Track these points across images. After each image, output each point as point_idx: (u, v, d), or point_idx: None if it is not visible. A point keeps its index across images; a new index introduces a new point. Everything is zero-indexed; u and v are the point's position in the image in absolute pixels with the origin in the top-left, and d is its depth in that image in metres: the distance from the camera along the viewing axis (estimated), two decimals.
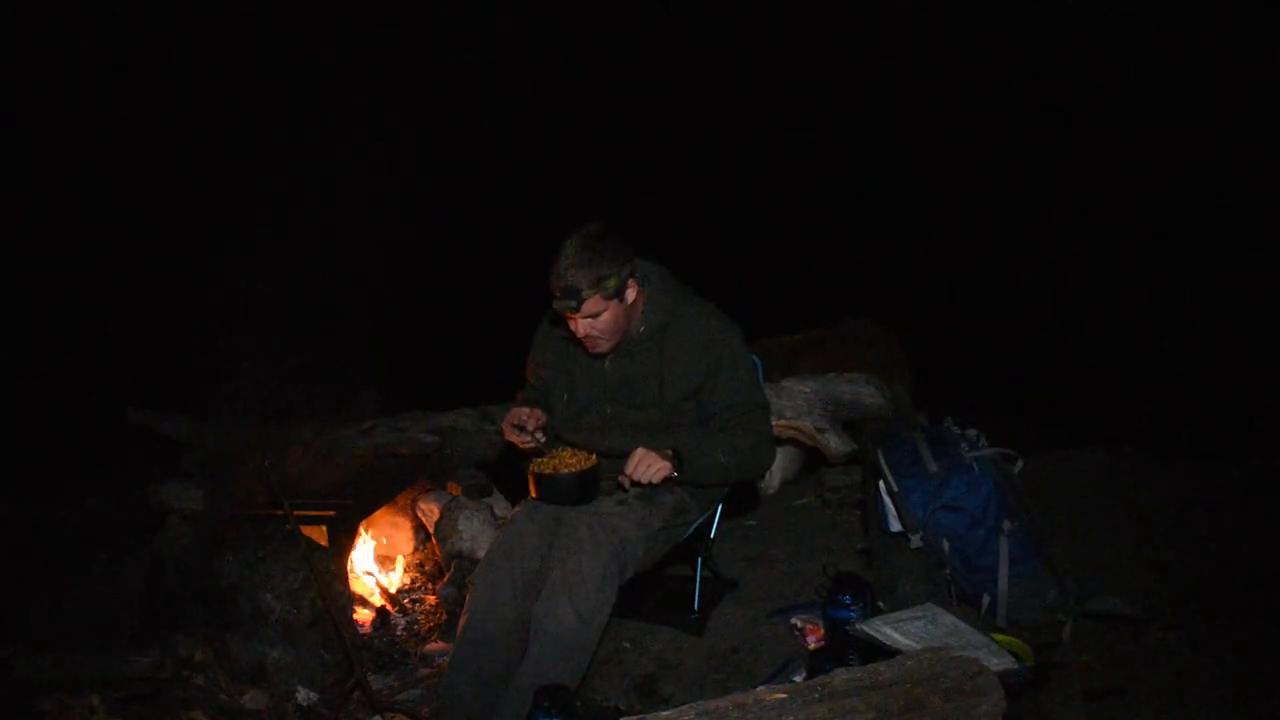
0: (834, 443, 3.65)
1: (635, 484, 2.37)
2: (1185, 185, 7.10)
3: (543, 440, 2.47)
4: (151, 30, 6.33)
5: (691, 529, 2.70)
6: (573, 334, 2.42)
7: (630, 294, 2.41)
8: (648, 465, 2.32)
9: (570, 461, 2.43)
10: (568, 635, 2.21)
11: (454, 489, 3.54)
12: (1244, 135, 6.87)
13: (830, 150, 8.64)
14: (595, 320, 2.36)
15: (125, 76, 6.23)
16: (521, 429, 2.46)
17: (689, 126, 8.87)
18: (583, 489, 2.42)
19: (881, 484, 2.83)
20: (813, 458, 3.92)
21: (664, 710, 1.58)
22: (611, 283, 2.32)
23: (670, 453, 2.36)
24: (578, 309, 2.32)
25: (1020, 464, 2.80)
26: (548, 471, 2.41)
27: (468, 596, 2.39)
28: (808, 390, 3.74)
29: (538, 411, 2.51)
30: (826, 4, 8.67)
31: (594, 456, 2.45)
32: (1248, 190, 6.73)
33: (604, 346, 2.44)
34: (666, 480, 2.37)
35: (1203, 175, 7.02)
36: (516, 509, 2.58)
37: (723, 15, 8.77)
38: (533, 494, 2.46)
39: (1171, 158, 7.14)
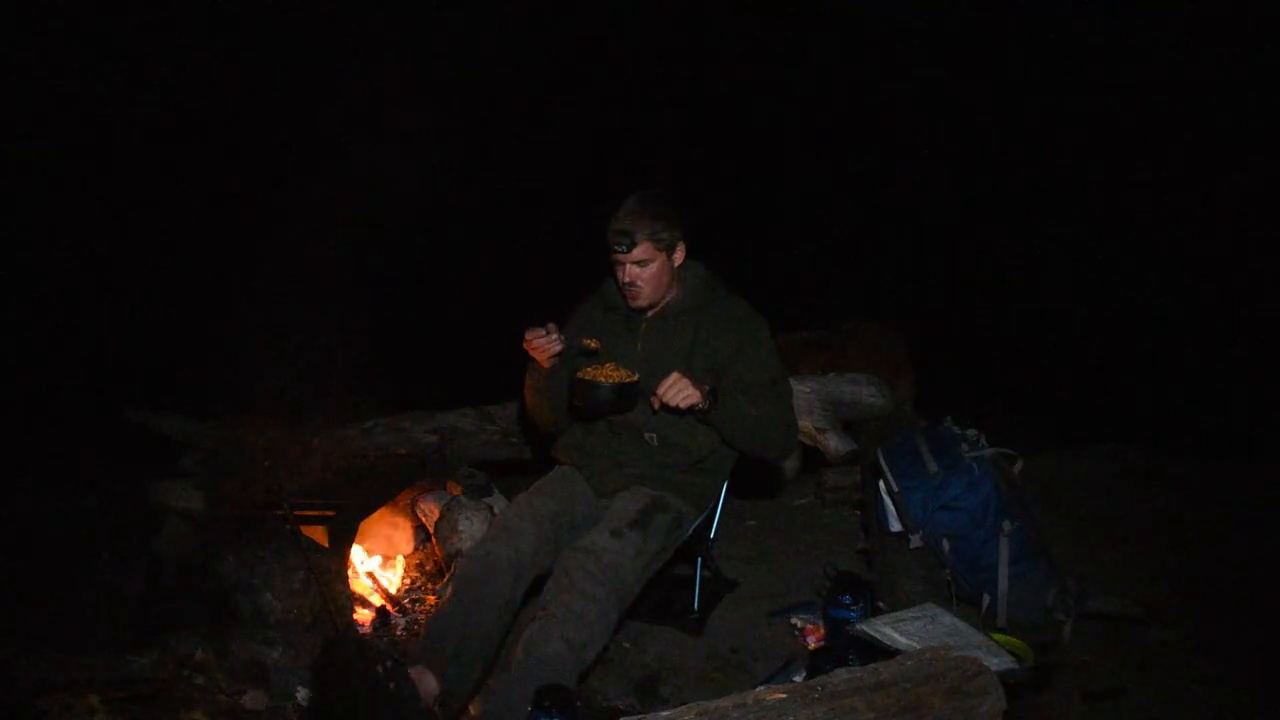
0: (834, 443, 3.65)
1: (665, 406, 2.42)
2: (1186, 185, 7.10)
3: (562, 339, 2.52)
4: (149, 27, 6.33)
5: (691, 529, 2.70)
6: (618, 284, 2.55)
7: (678, 256, 2.56)
8: (680, 389, 2.38)
9: (614, 375, 2.49)
10: (553, 660, 2.21)
11: (454, 489, 3.53)
12: (1247, 134, 6.87)
13: (829, 151, 8.64)
14: (642, 270, 2.50)
15: (126, 73, 6.23)
16: (544, 335, 2.48)
17: (689, 126, 8.87)
18: (620, 398, 2.47)
19: (881, 484, 2.84)
20: (813, 458, 3.92)
21: (664, 710, 1.58)
22: (664, 235, 2.48)
23: (707, 388, 2.43)
24: (629, 250, 2.46)
25: (1020, 464, 2.81)
26: (589, 377, 2.46)
27: (456, 567, 2.42)
28: (808, 390, 3.74)
29: (550, 325, 2.54)
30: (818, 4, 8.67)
31: (635, 375, 2.50)
32: (1249, 190, 6.73)
33: (643, 298, 2.55)
34: (692, 410, 2.44)
35: (1205, 175, 7.02)
36: (516, 498, 2.61)
37: (717, 18, 8.77)
38: (575, 401, 2.52)
39: (1173, 157, 7.14)
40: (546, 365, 2.54)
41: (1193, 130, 7.21)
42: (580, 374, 2.49)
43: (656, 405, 2.45)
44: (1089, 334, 6.85)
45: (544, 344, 2.49)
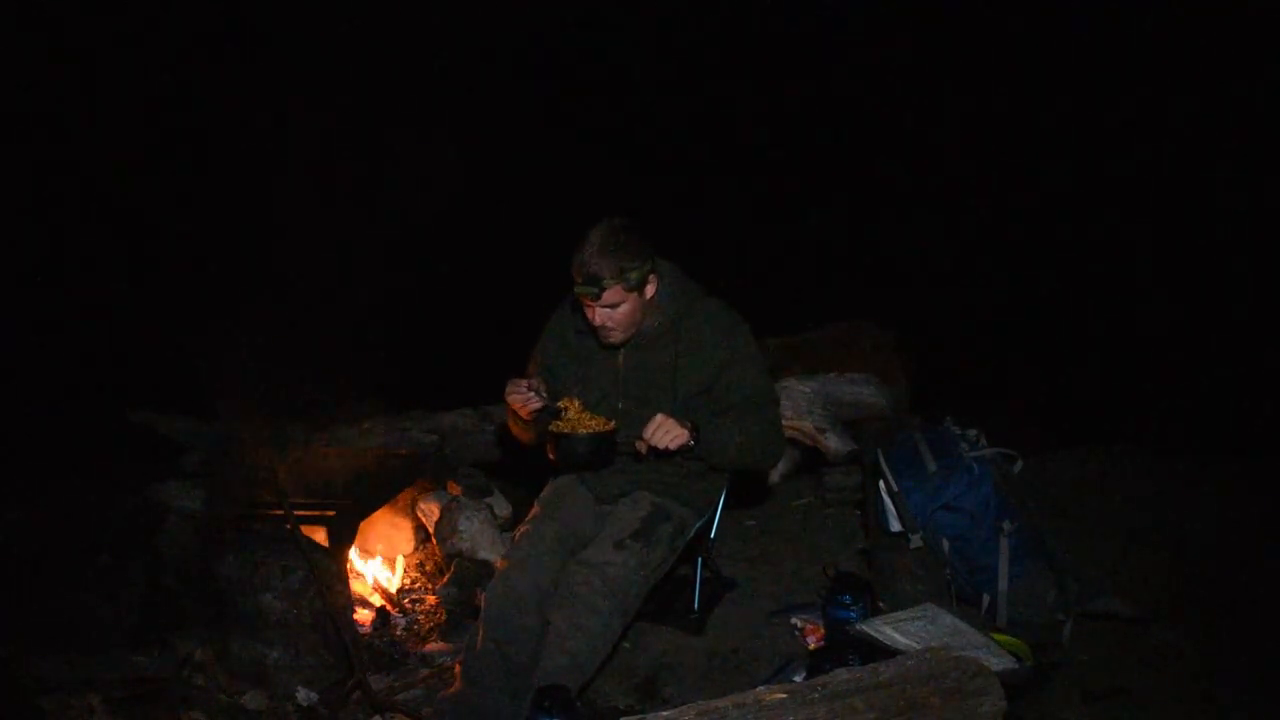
0: (834, 443, 3.65)
1: (652, 449, 2.38)
2: (1186, 185, 7.10)
3: (545, 397, 2.46)
4: (146, 27, 6.33)
5: (692, 532, 2.70)
6: (589, 323, 2.46)
7: (649, 289, 2.45)
8: (666, 431, 2.34)
9: (589, 424, 2.44)
10: (556, 674, 2.22)
11: (454, 489, 3.54)
12: (1248, 134, 6.86)
13: (830, 152, 8.64)
14: (613, 311, 2.40)
15: (125, 74, 6.23)
16: (524, 392, 2.45)
17: (690, 127, 8.88)
18: (598, 451, 2.43)
19: (881, 484, 2.84)
20: (813, 458, 3.92)
21: (664, 710, 1.58)
22: (634, 275, 2.36)
23: (690, 424, 2.39)
24: (598, 297, 2.36)
25: (1020, 464, 2.81)
26: (565, 431, 2.41)
27: (484, 607, 2.39)
28: (808, 390, 3.74)
29: (533, 380, 2.51)
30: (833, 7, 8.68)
31: (612, 422, 2.46)
32: (1249, 190, 6.73)
33: (617, 338, 2.47)
34: (681, 450, 2.39)
35: (1205, 175, 7.02)
36: (523, 528, 2.57)
37: (725, 14, 8.79)
38: (551, 456, 2.48)
39: (1173, 157, 7.14)
40: (527, 418, 2.50)
41: (1191, 131, 7.21)
42: (554, 428, 2.43)
43: (644, 450, 2.41)
44: (1089, 334, 6.85)
45: (523, 401, 2.44)
